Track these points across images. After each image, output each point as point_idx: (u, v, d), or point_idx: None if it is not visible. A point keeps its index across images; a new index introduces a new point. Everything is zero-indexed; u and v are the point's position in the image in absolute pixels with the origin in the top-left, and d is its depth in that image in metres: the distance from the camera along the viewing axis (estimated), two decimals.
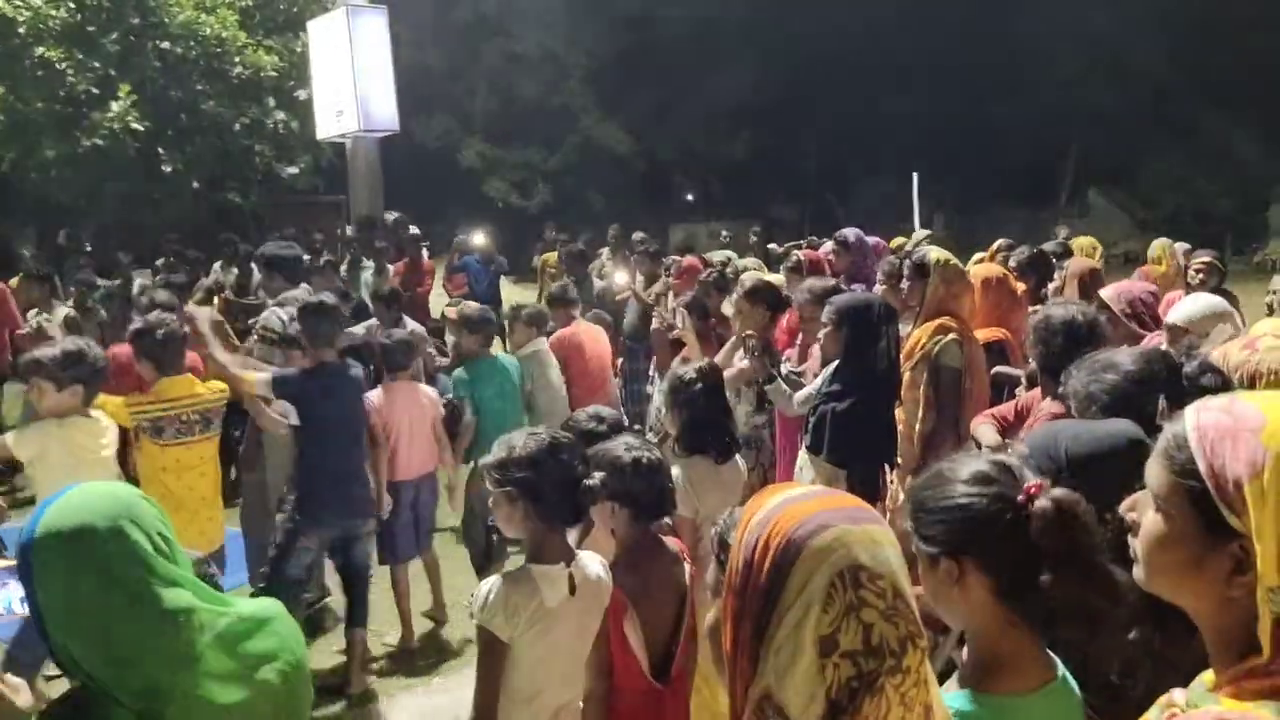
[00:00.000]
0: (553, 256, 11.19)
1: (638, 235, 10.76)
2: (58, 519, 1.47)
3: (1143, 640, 1.67)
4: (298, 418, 4.23)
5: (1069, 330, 3.14)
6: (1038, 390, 3.44)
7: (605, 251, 10.97)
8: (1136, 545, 1.28)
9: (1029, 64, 28.37)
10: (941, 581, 1.48)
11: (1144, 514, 1.26)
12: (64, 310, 7.63)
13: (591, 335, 6.33)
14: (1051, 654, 1.52)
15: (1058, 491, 1.45)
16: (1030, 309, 4.91)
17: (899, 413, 4.19)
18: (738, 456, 3.59)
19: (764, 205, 28.80)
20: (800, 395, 4.25)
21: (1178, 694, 1.26)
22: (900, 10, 27.56)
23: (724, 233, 15.58)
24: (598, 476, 2.43)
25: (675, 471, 3.15)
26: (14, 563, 1.75)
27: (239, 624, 1.57)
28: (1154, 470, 1.24)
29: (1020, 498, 1.45)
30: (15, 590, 1.91)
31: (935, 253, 4.24)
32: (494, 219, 19.49)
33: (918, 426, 4.10)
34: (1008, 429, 3.50)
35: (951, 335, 4.10)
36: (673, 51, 28.99)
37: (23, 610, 1.75)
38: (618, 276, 9.10)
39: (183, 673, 1.48)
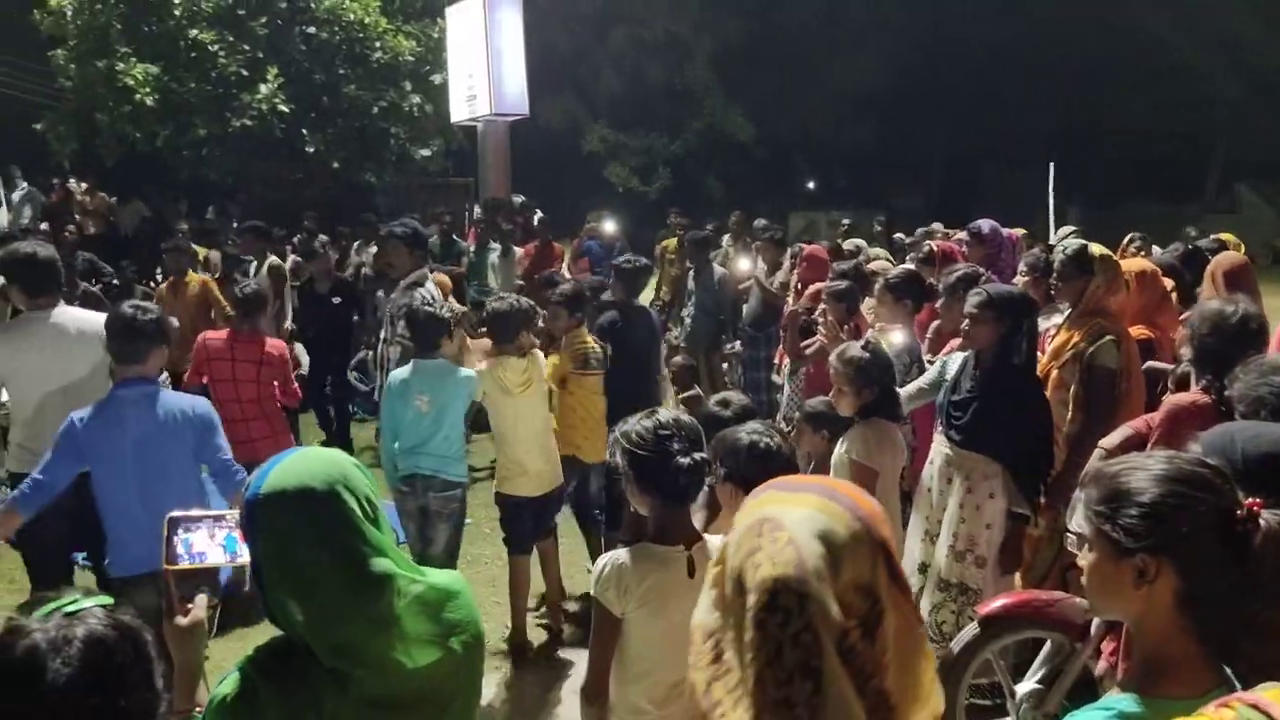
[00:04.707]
0: (673, 243, 11.17)
1: (760, 222, 10.64)
2: (281, 479, 1.55)
3: None
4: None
5: (1217, 323, 3.05)
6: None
7: (726, 238, 10.87)
8: None
9: (1171, 52, 26.96)
10: (1124, 577, 1.44)
11: None
12: None
13: None
14: (1219, 660, 1.47)
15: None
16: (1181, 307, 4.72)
17: None
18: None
19: (886, 195, 28.17)
20: (908, 390, 4.19)
21: None
22: None
23: (845, 221, 15.18)
24: (697, 456, 2.42)
25: (858, 431, 3.71)
26: (222, 513, 1.89)
27: (432, 592, 1.64)
28: None
29: (1240, 512, 1.40)
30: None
31: (1094, 247, 4.07)
32: (613, 203, 19.63)
33: (1065, 427, 3.97)
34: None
35: (1109, 336, 3.95)
36: (798, 37, 28.61)
37: (230, 558, 1.83)
38: (740, 263, 9.03)
39: (380, 636, 1.54)
